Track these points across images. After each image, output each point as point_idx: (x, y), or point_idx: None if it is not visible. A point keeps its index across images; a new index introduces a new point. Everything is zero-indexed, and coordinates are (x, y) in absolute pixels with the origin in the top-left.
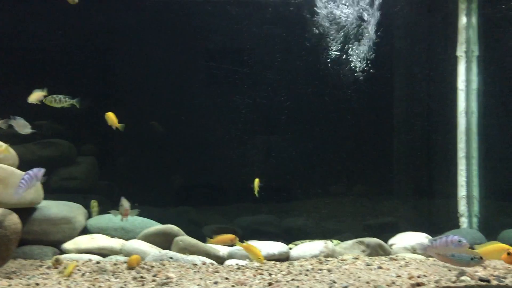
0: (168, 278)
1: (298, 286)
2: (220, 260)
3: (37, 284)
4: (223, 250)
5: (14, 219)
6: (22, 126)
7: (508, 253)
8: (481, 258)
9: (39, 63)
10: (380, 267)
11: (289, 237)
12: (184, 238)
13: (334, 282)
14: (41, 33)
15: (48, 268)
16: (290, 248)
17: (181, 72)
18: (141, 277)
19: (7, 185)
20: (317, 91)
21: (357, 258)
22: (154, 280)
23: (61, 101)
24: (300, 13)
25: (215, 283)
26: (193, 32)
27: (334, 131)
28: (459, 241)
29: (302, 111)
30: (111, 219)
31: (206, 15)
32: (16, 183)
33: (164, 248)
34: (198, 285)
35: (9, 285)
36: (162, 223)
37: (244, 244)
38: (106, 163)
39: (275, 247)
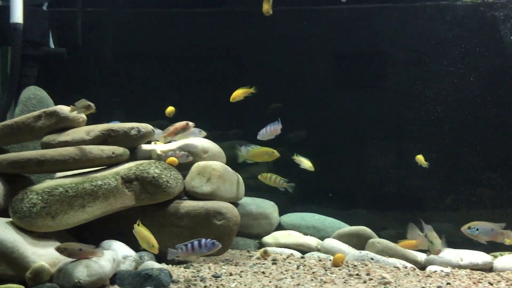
0: (383, 277)
1: None
2: (418, 265)
3: (263, 272)
4: (420, 256)
5: (235, 212)
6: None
7: None
8: None
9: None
10: None
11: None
12: (381, 241)
13: None
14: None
15: (258, 258)
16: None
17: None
18: (357, 274)
19: (224, 181)
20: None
21: None
22: (371, 279)
23: None
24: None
25: (439, 287)
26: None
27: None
28: None
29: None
30: (303, 217)
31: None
32: (229, 179)
33: (356, 249)
34: (423, 287)
35: (241, 272)
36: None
37: None
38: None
39: (478, 256)
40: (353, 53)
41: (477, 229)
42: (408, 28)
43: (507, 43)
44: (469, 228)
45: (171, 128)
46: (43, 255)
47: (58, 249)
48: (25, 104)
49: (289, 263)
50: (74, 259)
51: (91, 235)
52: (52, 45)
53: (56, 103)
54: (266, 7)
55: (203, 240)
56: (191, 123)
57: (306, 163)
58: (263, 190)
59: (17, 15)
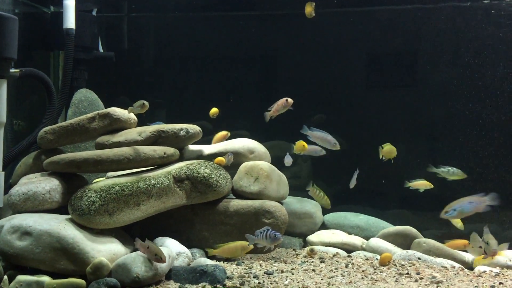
0: (434, 277)
1: None
2: (466, 265)
3: (313, 270)
4: (468, 256)
5: (283, 211)
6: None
7: None
8: None
9: None
10: None
11: None
12: (428, 241)
13: None
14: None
15: (305, 256)
16: None
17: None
18: (407, 273)
19: (271, 180)
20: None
21: None
22: (421, 278)
23: None
24: None
25: (492, 286)
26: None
27: None
28: None
29: None
30: (346, 216)
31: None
32: (276, 178)
33: (402, 249)
34: (476, 286)
35: (292, 269)
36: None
37: None
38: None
39: None
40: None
41: (455, 209)
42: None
43: None
44: (446, 212)
45: (275, 106)
46: (102, 250)
47: (140, 244)
48: (77, 106)
49: (337, 261)
50: (134, 255)
51: (143, 231)
52: (101, 49)
53: (105, 105)
54: (309, 10)
55: (271, 231)
56: (290, 100)
57: (423, 184)
58: (305, 190)
59: (70, 21)
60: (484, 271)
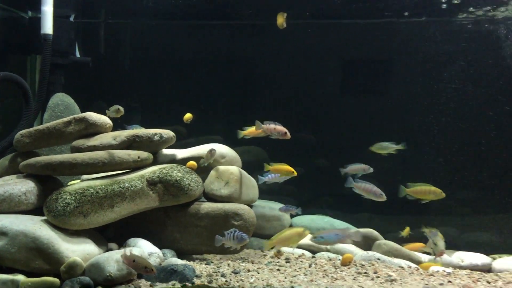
0: (389, 275)
1: None
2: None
3: (278, 269)
4: (423, 257)
5: (251, 214)
6: None
7: None
8: None
9: None
10: None
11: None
12: (388, 242)
13: None
14: None
15: (272, 257)
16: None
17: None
18: (365, 272)
19: (241, 184)
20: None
21: None
22: (378, 276)
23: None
24: None
25: (441, 284)
26: None
27: None
28: None
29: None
30: (313, 219)
31: None
32: (246, 182)
33: (364, 250)
34: (426, 284)
35: (258, 268)
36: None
37: None
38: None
39: (478, 258)
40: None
41: (322, 237)
42: None
43: None
44: (314, 237)
45: (271, 126)
46: (76, 250)
47: (126, 258)
48: (53, 110)
49: (301, 261)
50: (106, 255)
51: (116, 232)
52: (78, 55)
53: (81, 109)
54: (281, 20)
55: (238, 232)
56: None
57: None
58: (274, 193)
59: (48, 26)
60: (437, 271)
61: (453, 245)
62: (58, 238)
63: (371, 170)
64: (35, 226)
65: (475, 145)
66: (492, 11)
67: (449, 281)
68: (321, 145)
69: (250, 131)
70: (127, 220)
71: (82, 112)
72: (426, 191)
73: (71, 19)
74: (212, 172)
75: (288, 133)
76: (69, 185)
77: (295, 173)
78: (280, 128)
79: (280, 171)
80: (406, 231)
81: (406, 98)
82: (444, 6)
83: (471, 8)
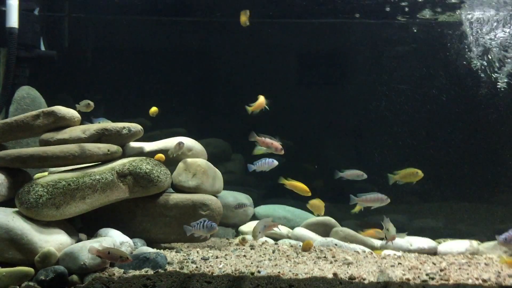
0: (346, 259)
1: (468, 273)
2: (374, 250)
3: (244, 256)
4: (376, 242)
5: (218, 203)
6: None
7: None
8: None
9: None
10: None
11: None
12: (344, 229)
13: (499, 272)
14: None
15: (237, 245)
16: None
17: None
18: (324, 257)
19: (208, 176)
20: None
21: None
22: (336, 260)
23: None
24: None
25: (392, 266)
26: None
27: (475, 135)
28: None
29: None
30: (275, 209)
31: None
32: (212, 174)
33: (322, 236)
34: (379, 266)
35: (225, 255)
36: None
37: None
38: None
39: (425, 242)
40: None
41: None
42: None
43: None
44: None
45: (267, 140)
46: (50, 241)
47: (100, 252)
48: (19, 103)
49: (265, 248)
50: (80, 245)
51: (87, 223)
52: (43, 48)
53: (47, 102)
54: (244, 19)
55: (207, 221)
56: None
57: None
58: (238, 184)
59: (13, 19)
60: (389, 255)
61: (403, 230)
62: (31, 229)
63: (365, 176)
64: (8, 218)
65: (423, 140)
66: (438, 15)
67: (399, 263)
68: (283, 137)
69: (257, 105)
70: (96, 210)
71: (48, 106)
72: (411, 173)
73: (36, 12)
74: (180, 164)
75: (283, 150)
76: (39, 178)
77: (310, 193)
78: (276, 144)
79: (295, 188)
80: (357, 209)
81: (357, 93)
82: (388, 9)
83: (419, 14)
